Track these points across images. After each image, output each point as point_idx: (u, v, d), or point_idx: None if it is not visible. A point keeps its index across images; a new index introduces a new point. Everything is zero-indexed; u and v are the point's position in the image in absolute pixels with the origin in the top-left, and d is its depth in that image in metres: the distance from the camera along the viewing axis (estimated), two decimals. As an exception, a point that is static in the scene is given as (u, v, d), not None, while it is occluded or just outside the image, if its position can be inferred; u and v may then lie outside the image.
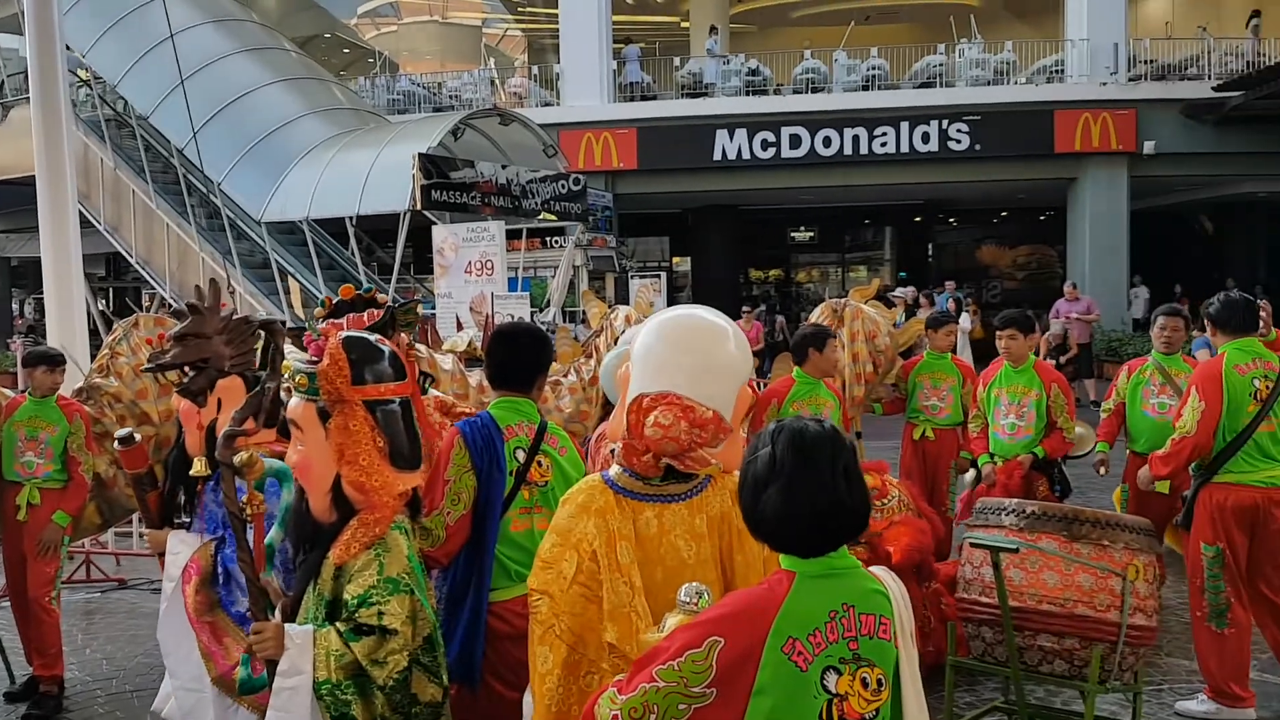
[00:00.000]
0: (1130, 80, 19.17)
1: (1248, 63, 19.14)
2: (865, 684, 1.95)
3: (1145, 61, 19.77)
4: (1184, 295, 16.84)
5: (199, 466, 2.87)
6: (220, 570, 2.93)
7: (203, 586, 2.93)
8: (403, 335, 3.62)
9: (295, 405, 2.48)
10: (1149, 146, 18.77)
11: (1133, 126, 18.80)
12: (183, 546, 3.01)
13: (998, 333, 6.04)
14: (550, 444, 3.25)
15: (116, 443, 3.12)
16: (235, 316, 2.90)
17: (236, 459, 2.45)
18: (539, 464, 3.19)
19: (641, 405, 2.33)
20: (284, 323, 3.12)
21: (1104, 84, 18.98)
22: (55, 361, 5.32)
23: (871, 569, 2.08)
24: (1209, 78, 18.85)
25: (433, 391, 4.60)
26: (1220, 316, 4.94)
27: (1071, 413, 5.96)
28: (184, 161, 15.31)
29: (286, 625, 2.39)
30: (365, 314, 3.21)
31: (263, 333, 3.02)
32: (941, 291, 17.93)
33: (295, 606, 2.50)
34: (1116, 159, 19.07)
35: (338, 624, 2.37)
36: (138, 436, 3.14)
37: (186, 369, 2.95)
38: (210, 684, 2.91)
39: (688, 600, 2.10)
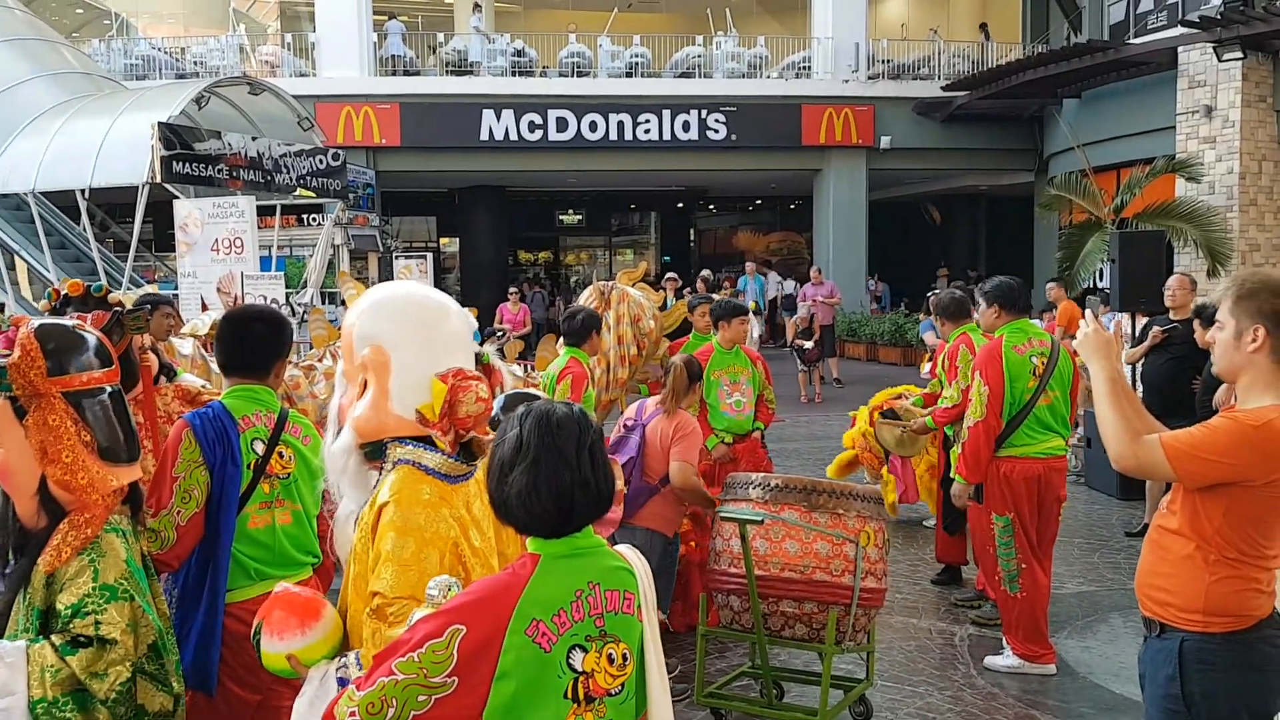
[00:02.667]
0: (869, 78, 20.44)
1: (974, 63, 20.83)
2: (611, 659, 2.00)
3: (882, 61, 21.14)
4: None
5: None
6: None
7: None
8: (141, 337, 3.38)
9: None
10: (885, 141, 20.12)
11: (871, 122, 20.09)
12: None
13: (719, 321, 6.45)
14: (292, 433, 3.12)
15: None
16: None
17: None
18: (280, 455, 3.07)
19: (452, 384, 2.26)
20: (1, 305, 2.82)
21: (846, 81, 20.15)
22: None
23: (616, 547, 2.15)
24: (939, 78, 20.38)
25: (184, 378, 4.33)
26: (1001, 296, 5.31)
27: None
28: (-117, 124, 13.67)
29: None
30: (91, 316, 2.92)
31: None
32: (741, 275, 18.05)
33: (3, 619, 2.31)
34: (856, 152, 20.34)
35: (53, 637, 2.22)
36: None
37: None
38: None
39: (436, 593, 2.05)
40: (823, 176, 20.76)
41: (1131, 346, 7.92)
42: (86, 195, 12.71)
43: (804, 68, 20.91)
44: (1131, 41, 15.90)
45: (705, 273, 16.30)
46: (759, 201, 28.33)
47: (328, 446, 2.32)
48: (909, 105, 20.14)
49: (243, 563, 2.98)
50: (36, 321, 2.36)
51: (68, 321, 2.44)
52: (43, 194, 13.30)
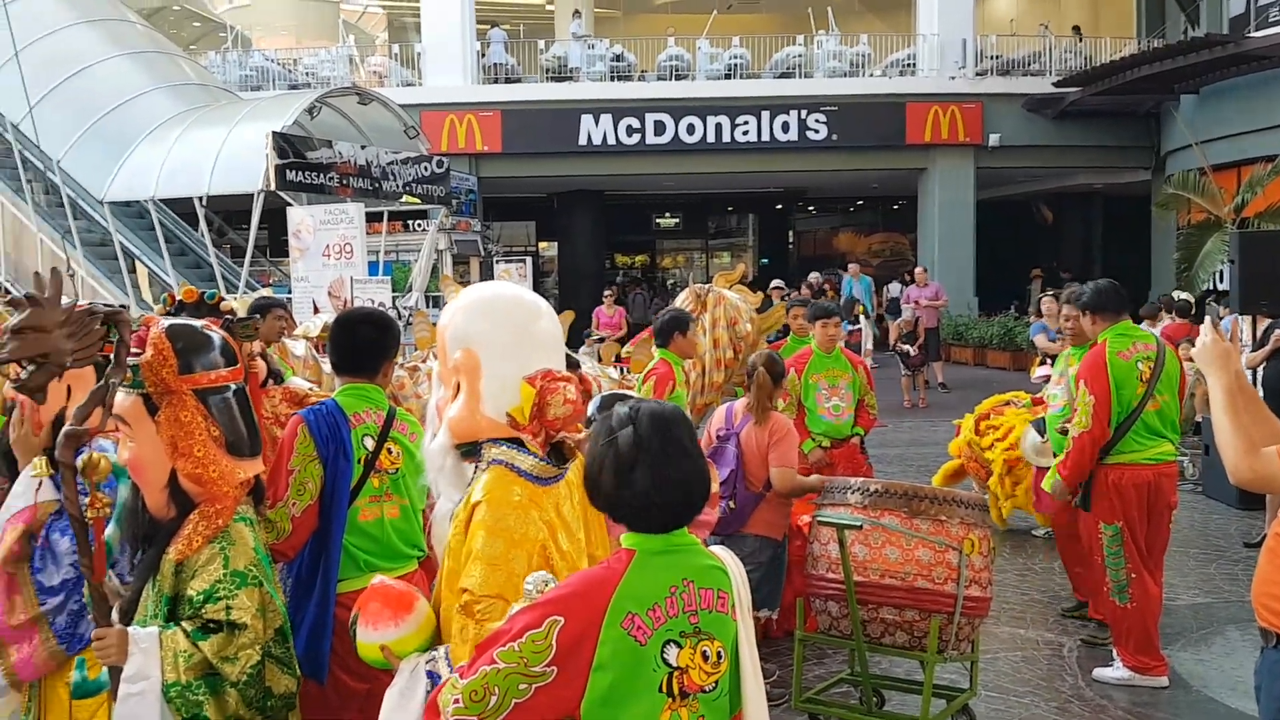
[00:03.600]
0: (977, 75, 20.00)
1: (1085, 58, 20.22)
2: (705, 656, 2.01)
3: (991, 57, 20.66)
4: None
5: (40, 468, 2.70)
6: (44, 534, 2.79)
7: (24, 538, 2.78)
8: (249, 345, 3.51)
9: (121, 400, 2.38)
10: (993, 139, 19.65)
11: (979, 119, 19.65)
12: (27, 493, 2.81)
13: (818, 323, 6.37)
14: (400, 430, 3.23)
15: None
16: (78, 308, 2.75)
17: (79, 459, 2.34)
18: (389, 451, 3.16)
19: (541, 386, 2.28)
20: (125, 307, 2.95)
21: (953, 78, 19.75)
22: None
23: (710, 547, 2.15)
24: (1049, 74, 19.83)
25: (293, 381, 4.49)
26: (1095, 302, 5.10)
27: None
28: (19, 136, 14.44)
29: (130, 629, 2.30)
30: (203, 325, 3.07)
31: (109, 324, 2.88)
32: (844, 276, 17.85)
33: (132, 606, 2.42)
34: (963, 150, 19.91)
35: (183, 623, 2.31)
36: None
37: (24, 364, 2.81)
38: None
39: (533, 589, 2.09)
40: (928, 175, 20.38)
41: (1252, 350, 7.57)
42: (204, 202, 13.23)
43: (908, 65, 20.55)
44: (1252, 35, 15.23)
45: (814, 276, 16.11)
46: (860, 202, 27.95)
47: (426, 445, 2.36)
48: (1018, 102, 19.64)
49: (353, 554, 3.09)
50: (166, 322, 2.47)
51: (196, 322, 2.54)
52: (162, 201, 13.89)
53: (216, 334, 2.49)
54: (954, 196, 20.05)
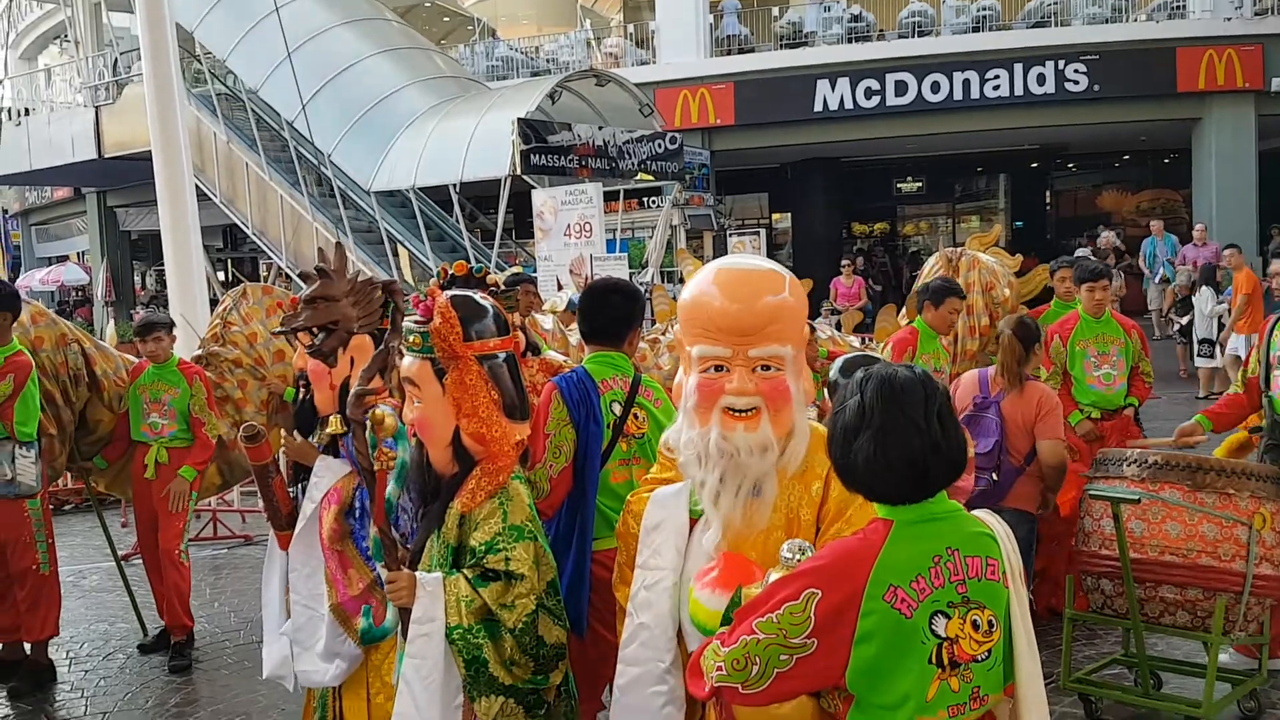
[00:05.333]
0: (1256, 14, 18.11)
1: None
2: (976, 626, 1.94)
3: (1272, -8, 18.66)
4: None
5: (334, 425, 2.95)
6: (357, 505, 3.03)
7: (340, 515, 3.04)
8: (511, 315, 3.69)
9: (410, 364, 2.55)
10: (1276, 83, 17.76)
11: (1259, 63, 17.80)
12: (327, 472, 3.10)
13: (1083, 287, 5.87)
14: (645, 396, 3.30)
15: (242, 438, 3.26)
16: (360, 279, 2.96)
17: (368, 416, 2.53)
18: (635, 416, 3.25)
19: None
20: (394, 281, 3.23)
21: (1228, 19, 17.96)
22: (146, 331, 5.57)
23: (975, 512, 2.04)
24: (1342, 7, 17.70)
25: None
26: None
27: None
28: (294, 134, 15.74)
29: (418, 574, 2.47)
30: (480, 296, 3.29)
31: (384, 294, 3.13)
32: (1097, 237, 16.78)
33: (418, 555, 2.59)
34: (1243, 97, 18.09)
35: (465, 570, 2.45)
36: (263, 432, 3.27)
37: (316, 331, 3.04)
38: (328, 608, 3.02)
39: (790, 556, 2.10)
40: (1202, 126, 18.66)
41: None
42: (458, 189, 13.96)
43: (1177, 7, 18.84)
44: None
45: (1107, 234, 14.99)
46: (1126, 157, 25.97)
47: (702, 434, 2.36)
48: (1306, 41, 17.65)
49: (605, 514, 3.18)
50: (450, 293, 2.62)
51: (474, 293, 2.69)
52: (420, 189, 14.76)
53: (491, 305, 2.63)
54: (1233, 148, 18.26)
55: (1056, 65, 18.22)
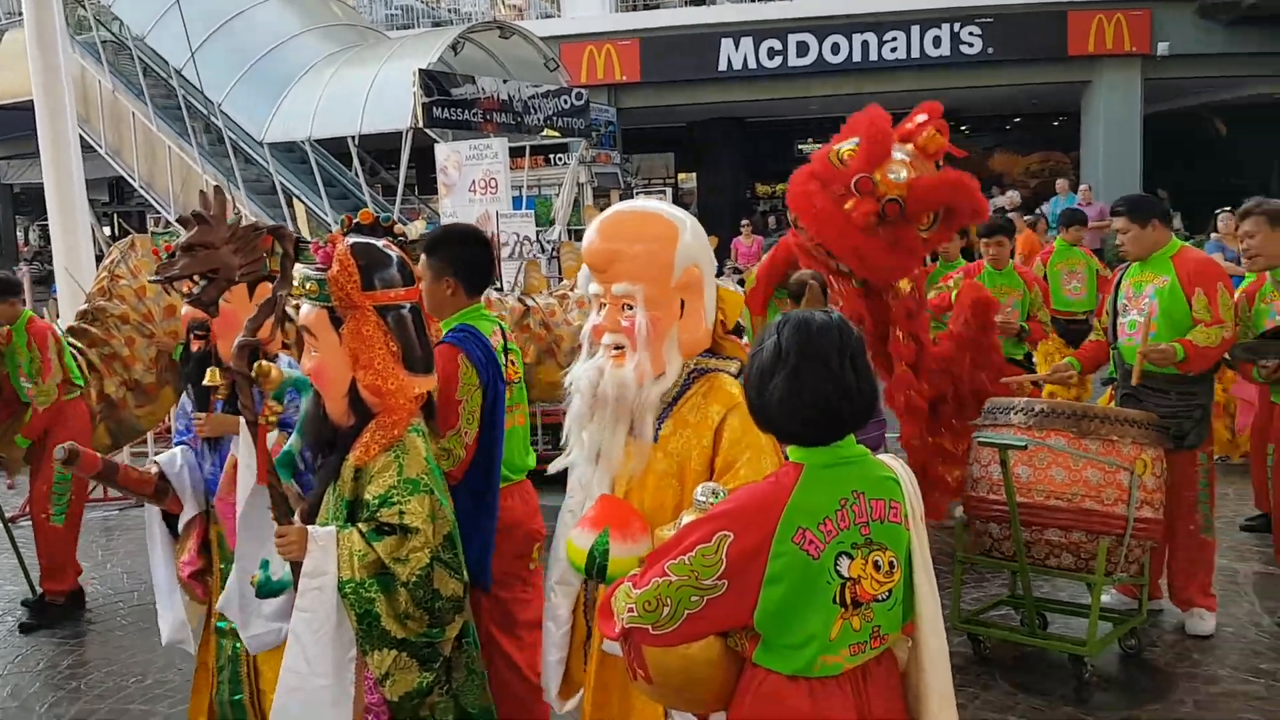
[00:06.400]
0: (1145, -21, 18.68)
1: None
2: (877, 566, 2.00)
3: (1159, -41, 19.25)
4: None
5: (212, 377, 2.78)
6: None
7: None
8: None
9: (307, 312, 2.50)
10: (1163, 48, 18.36)
11: (1147, 27, 18.38)
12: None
13: (982, 240, 6.31)
14: (512, 340, 3.35)
15: (58, 462, 3.07)
16: (243, 224, 2.81)
17: (253, 368, 2.47)
18: (511, 363, 3.29)
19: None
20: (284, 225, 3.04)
21: (1118, -17, 18.51)
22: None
23: (880, 456, 2.11)
24: (1226, -25, 18.36)
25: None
26: None
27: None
28: (183, 83, 15.12)
29: (310, 527, 2.43)
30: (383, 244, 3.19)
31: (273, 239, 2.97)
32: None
33: (314, 509, 2.55)
34: (1130, 61, 18.68)
35: (359, 524, 2.42)
36: (78, 451, 3.08)
37: (196, 279, 2.85)
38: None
39: (703, 499, 2.13)
40: (1091, 89, 19.22)
41: None
42: (356, 142, 13.61)
43: (1070, -29, 19.32)
44: None
45: (1010, 194, 15.41)
46: (1018, 120, 26.66)
47: (592, 371, 2.42)
48: (1191, 7, 18.22)
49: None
50: (351, 239, 2.56)
51: (377, 241, 2.63)
52: (317, 141, 14.35)
53: (395, 254, 2.57)
54: (1120, 111, 18.88)
55: (953, 28, 18.53)
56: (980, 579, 5.21)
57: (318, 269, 2.48)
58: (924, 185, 4.26)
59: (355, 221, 3.33)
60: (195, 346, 3.19)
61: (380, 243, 2.60)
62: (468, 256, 3.26)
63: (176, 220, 3.46)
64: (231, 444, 3.07)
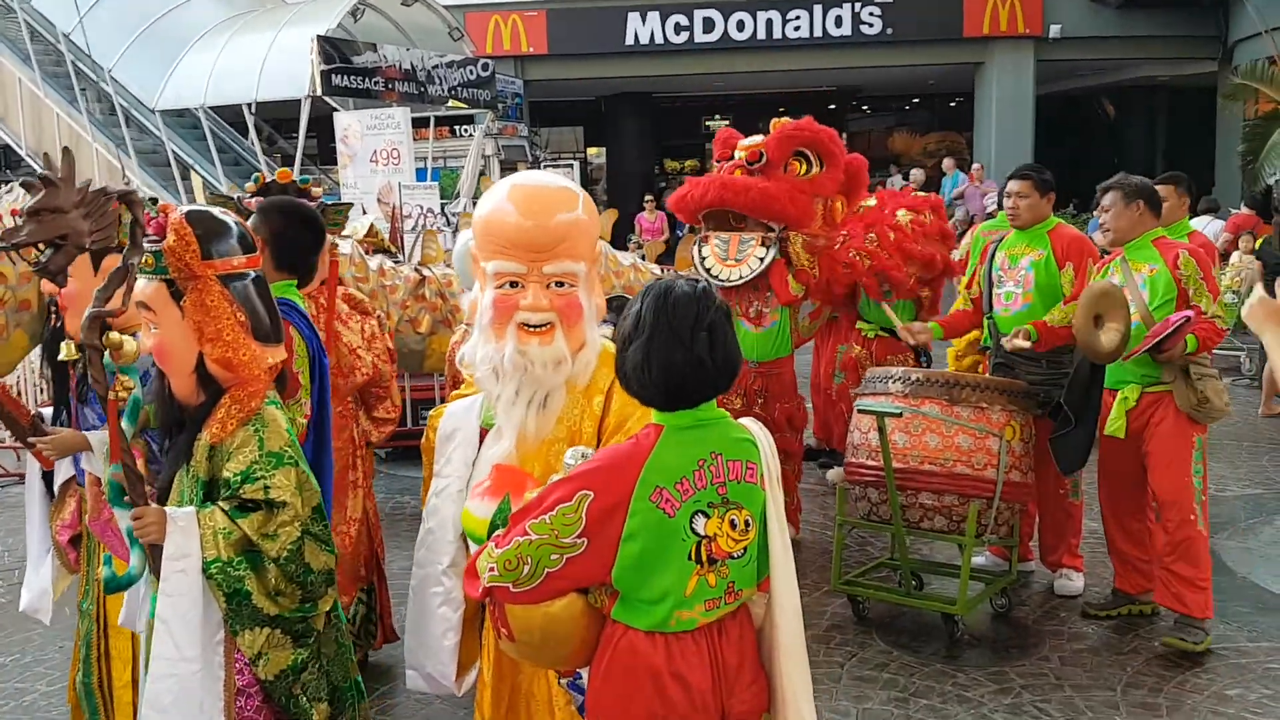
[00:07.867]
0: (1038, -38, 19.17)
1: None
2: (733, 525, 2.07)
3: (1053, -57, 19.75)
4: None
5: (68, 352, 2.68)
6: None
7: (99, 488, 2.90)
8: (335, 233, 3.55)
9: (144, 287, 2.39)
10: (1054, 30, 18.90)
11: (1039, 10, 18.89)
12: (101, 445, 2.86)
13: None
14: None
15: None
16: (93, 189, 2.65)
17: (104, 340, 2.37)
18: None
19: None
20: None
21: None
22: None
23: (740, 420, 2.18)
24: (1115, -40, 18.94)
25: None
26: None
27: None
28: (71, 47, 14.52)
29: (168, 509, 2.35)
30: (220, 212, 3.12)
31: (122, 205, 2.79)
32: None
33: (165, 493, 2.46)
34: (1023, 43, 19.19)
35: (220, 502, 2.35)
36: None
37: (43, 247, 2.67)
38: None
39: (571, 462, 2.17)
40: (985, 70, 19.71)
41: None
42: (253, 109, 13.25)
43: (965, -47, 19.72)
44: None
45: (915, 172, 15.71)
46: (916, 100, 27.20)
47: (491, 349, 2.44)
48: (1081, -9, 18.83)
49: None
50: (185, 208, 2.46)
51: (214, 209, 2.53)
52: (212, 109, 13.94)
53: (234, 221, 2.49)
54: (1012, 92, 19.40)
55: (853, 8, 18.78)
56: (862, 543, 5.39)
57: (152, 240, 2.37)
58: (776, 134, 5.41)
59: (269, 181, 3.26)
60: (54, 323, 3.09)
61: (218, 210, 2.51)
62: (280, 230, 3.24)
63: (20, 184, 3.18)
64: (84, 460, 2.98)
